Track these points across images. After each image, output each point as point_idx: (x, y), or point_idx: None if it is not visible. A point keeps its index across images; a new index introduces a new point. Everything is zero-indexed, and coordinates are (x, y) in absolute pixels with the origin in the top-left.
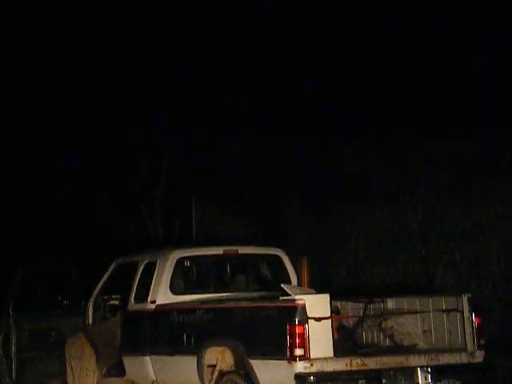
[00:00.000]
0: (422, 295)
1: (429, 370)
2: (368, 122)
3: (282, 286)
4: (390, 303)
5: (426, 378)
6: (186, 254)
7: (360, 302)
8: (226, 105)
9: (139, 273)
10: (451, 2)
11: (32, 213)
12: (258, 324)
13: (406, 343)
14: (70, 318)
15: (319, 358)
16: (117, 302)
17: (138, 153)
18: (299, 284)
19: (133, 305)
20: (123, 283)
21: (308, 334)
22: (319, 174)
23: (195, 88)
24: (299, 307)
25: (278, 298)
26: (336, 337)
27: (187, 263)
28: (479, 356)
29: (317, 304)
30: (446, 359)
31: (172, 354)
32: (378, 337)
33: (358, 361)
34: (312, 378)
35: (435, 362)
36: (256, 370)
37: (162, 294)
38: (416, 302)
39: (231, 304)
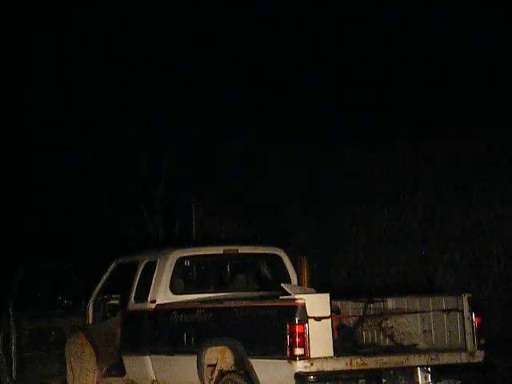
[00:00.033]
0: (422, 295)
1: (429, 369)
2: (368, 121)
3: (282, 285)
4: (390, 303)
5: (425, 378)
6: (186, 254)
7: (360, 301)
8: (226, 105)
9: (139, 272)
10: (451, 2)
11: (32, 213)
12: (258, 323)
13: (406, 343)
14: (69, 318)
15: (319, 358)
16: (117, 302)
17: (138, 153)
18: (299, 284)
19: (133, 304)
20: (123, 283)
21: (308, 333)
22: (319, 174)
23: (195, 88)
24: (299, 307)
25: (278, 298)
26: (336, 336)
27: (187, 263)
28: (479, 356)
29: (317, 303)
30: (445, 359)
31: (172, 354)
32: (378, 336)
33: (358, 360)
34: (312, 377)
35: (435, 362)
36: (256, 370)
37: (162, 294)
38: (416, 302)
39: (231, 303)
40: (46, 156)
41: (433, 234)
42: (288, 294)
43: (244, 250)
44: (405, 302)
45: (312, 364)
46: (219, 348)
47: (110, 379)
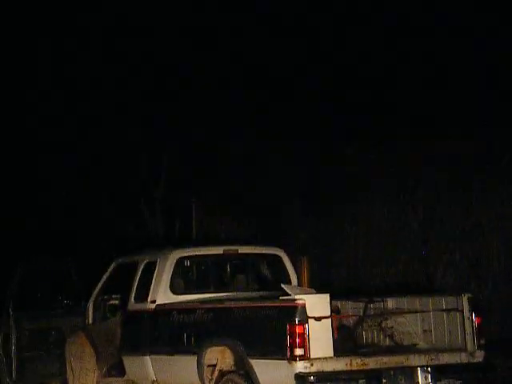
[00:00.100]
0: (422, 295)
1: (429, 369)
2: (368, 121)
3: (282, 285)
4: (390, 303)
5: (426, 378)
6: (186, 254)
7: (360, 301)
8: (226, 105)
9: (139, 272)
10: (451, 2)
11: (32, 213)
12: (258, 324)
13: (406, 343)
14: (69, 318)
15: (319, 358)
16: (117, 302)
17: (138, 153)
18: (299, 284)
19: (133, 304)
20: (123, 283)
21: (308, 333)
22: (319, 174)
23: (195, 88)
24: (299, 307)
25: (278, 298)
26: (336, 336)
27: (187, 263)
28: (479, 356)
29: (317, 304)
30: (445, 359)
31: (172, 354)
32: (378, 336)
33: (358, 360)
34: (312, 377)
35: (435, 362)
36: (256, 370)
37: (162, 294)
38: (416, 302)
39: (231, 304)
40: (46, 156)
41: (433, 234)
42: (288, 295)
43: (244, 250)
44: (405, 302)
45: (312, 364)
46: (219, 348)
47: (110, 379)
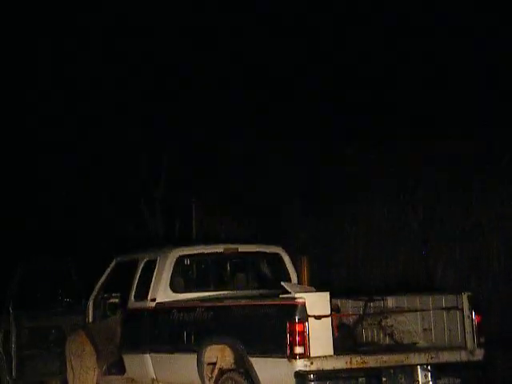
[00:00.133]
0: (421, 293)
1: (429, 368)
2: (368, 121)
3: (282, 284)
4: (390, 301)
5: (425, 376)
6: (186, 252)
7: (360, 300)
8: (226, 105)
9: (139, 271)
10: (451, 2)
11: (32, 213)
12: (257, 322)
13: (405, 341)
14: (70, 316)
15: (319, 356)
16: (117, 300)
17: (138, 153)
18: (299, 282)
19: (133, 303)
20: (123, 281)
21: (308, 332)
22: (319, 174)
23: (195, 88)
24: (299, 305)
25: (278, 296)
26: (336, 335)
27: (187, 261)
28: (479, 354)
29: (317, 302)
30: (445, 357)
31: (172, 352)
32: (377, 335)
33: (358, 359)
34: (312, 376)
35: (435, 360)
36: (256, 368)
37: (162, 292)
38: (416, 300)
39: (231, 302)
40: (46, 156)
41: (433, 234)
42: (288, 293)
43: (244, 248)
44: (405, 301)
45: (312, 363)
46: (219, 346)
47: (110, 377)
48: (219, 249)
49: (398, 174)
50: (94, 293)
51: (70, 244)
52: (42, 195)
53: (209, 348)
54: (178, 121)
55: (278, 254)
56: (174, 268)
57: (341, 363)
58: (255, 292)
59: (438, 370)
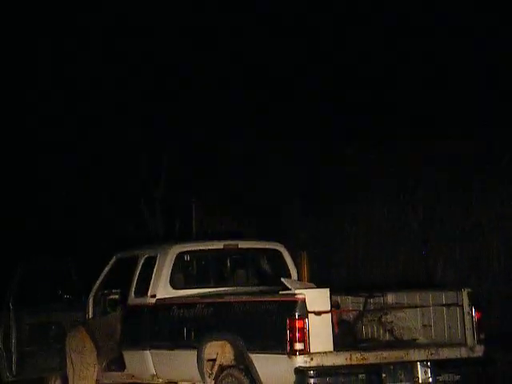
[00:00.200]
0: (421, 290)
1: (428, 364)
2: (368, 121)
3: (282, 280)
4: (390, 297)
5: (425, 373)
6: (186, 249)
7: (360, 296)
8: (226, 105)
9: (139, 267)
10: (451, 2)
11: (32, 213)
12: (258, 318)
13: (405, 337)
14: (70, 313)
15: (319, 353)
16: (117, 297)
17: (138, 153)
18: (299, 279)
19: (133, 299)
20: (123, 277)
21: (308, 328)
22: (319, 174)
23: (195, 88)
24: (299, 301)
25: (278, 293)
26: (336, 331)
27: (187, 257)
28: (479, 350)
29: (317, 298)
30: (445, 354)
31: (172, 349)
32: (377, 331)
33: (358, 355)
34: (312, 372)
35: (435, 357)
36: (256, 365)
37: (162, 289)
38: (416, 297)
39: (231, 298)
40: (46, 156)
41: (433, 234)
42: (288, 289)
43: (244, 244)
44: (405, 297)
45: (312, 359)
46: (219, 343)
47: (110, 374)
48: (219, 245)
49: (398, 174)
50: (94, 289)
51: (70, 244)
52: (42, 195)
53: (209, 344)
54: (178, 121)
55: (277, 251)
56: (174, 264)
57: (341, 359)
58: (255, 288)
59: (438, 367)
